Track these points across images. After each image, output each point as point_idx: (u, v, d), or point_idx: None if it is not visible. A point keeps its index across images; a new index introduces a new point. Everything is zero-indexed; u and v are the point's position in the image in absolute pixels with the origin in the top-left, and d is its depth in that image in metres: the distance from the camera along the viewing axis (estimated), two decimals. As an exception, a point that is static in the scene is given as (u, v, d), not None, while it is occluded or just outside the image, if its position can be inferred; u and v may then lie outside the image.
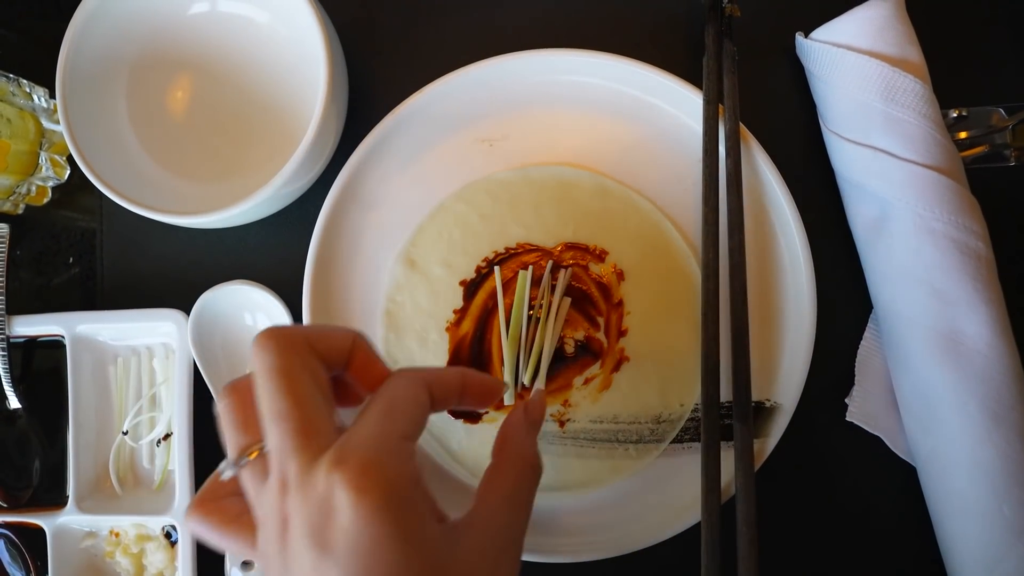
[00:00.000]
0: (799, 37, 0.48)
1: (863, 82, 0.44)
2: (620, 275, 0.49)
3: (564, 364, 0.49)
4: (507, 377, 0.48)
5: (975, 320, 0.42)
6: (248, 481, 0.30)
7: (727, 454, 0.47)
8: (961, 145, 0.48)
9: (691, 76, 0.48)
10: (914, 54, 0.45)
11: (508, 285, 0.49)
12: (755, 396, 0.47)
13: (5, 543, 0.50)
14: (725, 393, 0.48)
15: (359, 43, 0.52)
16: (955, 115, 0.46)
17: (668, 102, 0.49)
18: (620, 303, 0.49)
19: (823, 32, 0.47)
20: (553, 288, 0.49)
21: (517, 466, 0.35)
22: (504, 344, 0.48)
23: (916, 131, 0.43)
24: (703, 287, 0.45)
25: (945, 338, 0.42)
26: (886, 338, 0.46)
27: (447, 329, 0.49)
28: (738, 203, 0.45)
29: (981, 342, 0.41)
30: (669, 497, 0.47)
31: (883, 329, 0.46)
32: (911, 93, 0.43)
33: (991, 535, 0.40)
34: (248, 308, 0.51)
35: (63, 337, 0.50)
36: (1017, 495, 0.40)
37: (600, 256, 0.49)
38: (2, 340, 0.50)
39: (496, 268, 0.49)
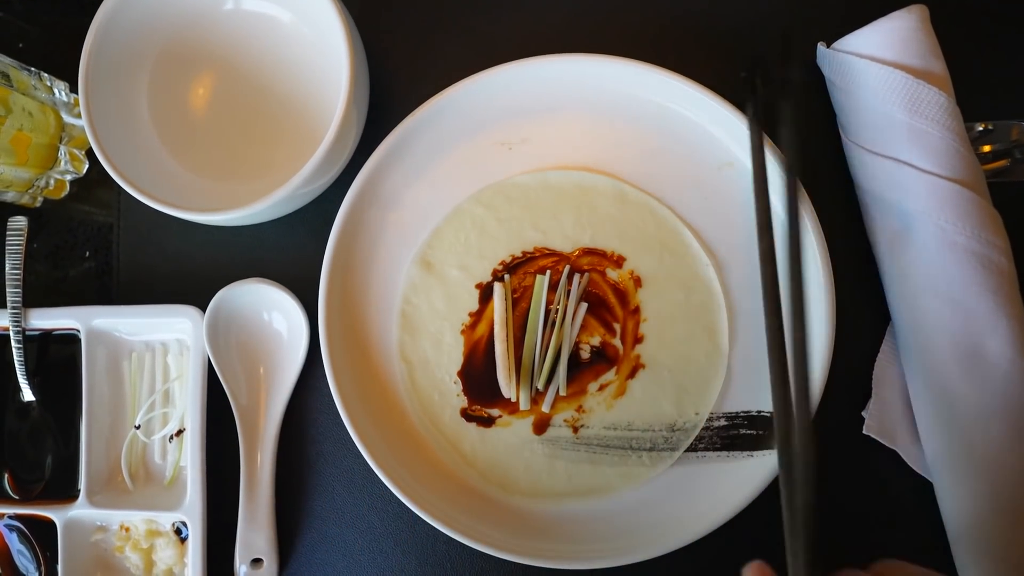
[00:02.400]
0: (821, 47, 0.48)
1: (886, 93, 0.44)
2: (637, 281, 0.49)
3: (579, 369, 0.48)
4: (506, 385, 0.48)
5: (997, 335, 0.41)
6: None
7: (748, 463, 0.46)
8: (984, 158, 0.48)
9: (714, 82, 0.47)
10: (938, 66, 0.44)
11: (526, 291, 0.49)
12: (771, 407, 0.47)
13: (17, 535, 0.51)
14: (741, 404, 0.48)
15: (381, 45, 0.52)
16: (980, 128, 0.46)
17: (690, 109, 0.48)
18: (637, 310, 0.49)
19: (846, 42, 0.47)
20: (569, 293, 0.49)
21: None
22: (501, 351, 0.48)
23: (940, 144, 0.43)
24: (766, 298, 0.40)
25: (965, 353, 0.42)
26: (904, 352, 0.46)
27: (462, 332, 0.49)
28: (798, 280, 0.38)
29: (1003, 358, 0.41)
30: (681, 506, 0.47)
31: (901, 343, 0.46)
32: (935, 105, 0.43)
33: (1009, 553, 0.40)
34: (264, 306, 0.51)
35: (78, 331, 0.50)
36: (1036, 513, 0.40)
37: (618, 262, 0.49)
38: (18, 333, 0.50)
39: (505, 277, 0.49)
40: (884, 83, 0.44)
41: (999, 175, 0.48)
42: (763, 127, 0.45)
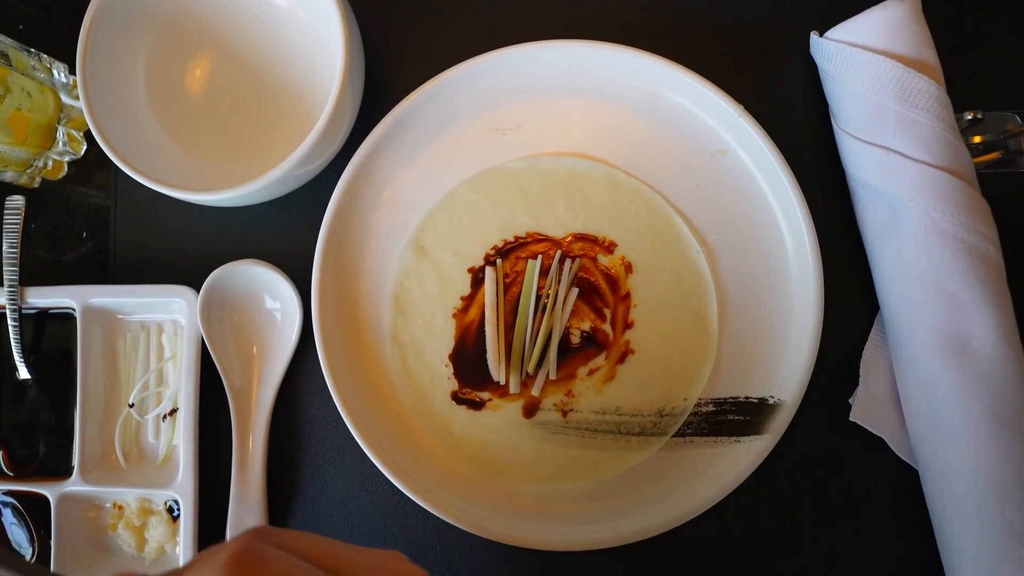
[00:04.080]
0: (814, 36, 0.48)
1: (877, 82, 0.44)
2: (628, 268, 0.49)
3: (569, 354, 0.49)
4: (496, 369, 0.49)
5: (983, 323, 0.42)
6: None
7: (735, 448, 0.47)
8: (974, 150, 0.48)
9: (707, 70, 0.48)
10: (929, 56, 0.45)
11: (517, 275, 0.50)
12: (758, 393, 0.47)
13: (11, 511, 0.51)
14: (729, 389, 0.48)
15: (377, 29, 0.53)
16: (970, 117, 0.46)
17: (684, 97, 0.49)
18: (627, 296, 0.49)
19: (838, 31, 0.47)
20: (560, 279, 0.49)
21: None
22: (491, 335, 0.48)
23: (929, 132, 0.43)
24: None
25: (952, 340, 0.42)
26: (892, 339, 0.46)
27: (454, 316, 0.50)
28: None
29: (988, 346, 0.41)
30: (668, 490, 0.47)
31: (889, 330, 0.46)
32: (925, 94, 0.43)
33: (992, 539, 0.40)
34: (258, 287, 0.51)
35: (74, 310, 0.51)
36: (1019, 499, 0.40)
37: (609, 248, 0.49)
38: (14, 311, 0.51)
39: (497, 262, 0.49)
40: (875, 72, 0.44)
41: (989, 167, 0.48)
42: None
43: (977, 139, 0.48)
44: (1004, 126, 0.48)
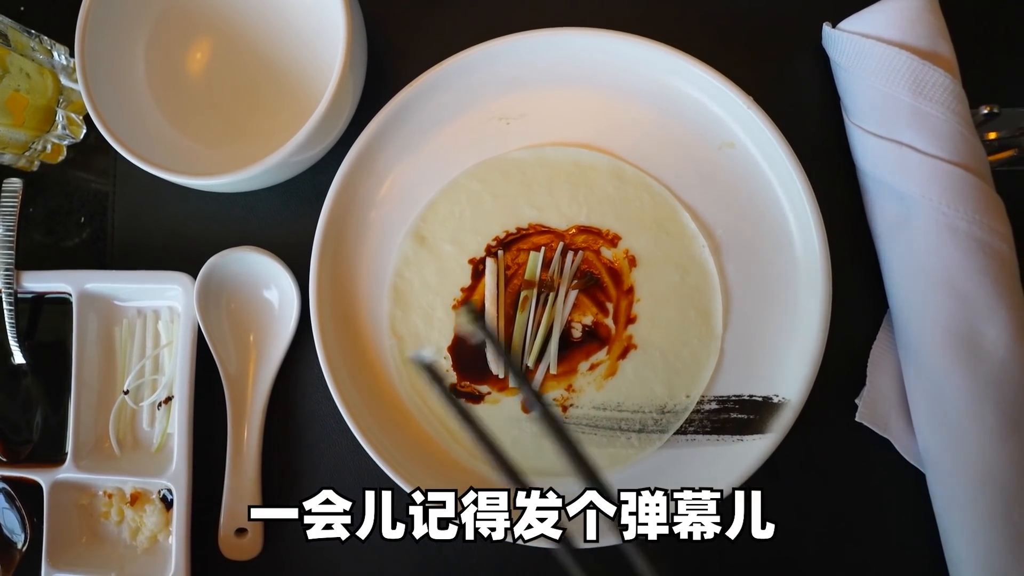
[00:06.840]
0: (826, 27, 0.47)
1: (891, 74, 0.43)
2: (632, 261, 0.48)
3: (570, 348, 0.48)
4: (495, 362, 0.48)
5: (995, 323, 0.41)
6: None
7: (737, 447, 0.46)
8: (989, 147, 0.47)
9: (715, 60, 0.47)
10: (945, 48, 0.44)
11: (519, 267, 0.49)
12: (762, 391, 0.46)
13: (4, 496, 0.51)
14: (733, 387, 0.47)
15: (380, 14, 0.52)
16: (986, 112, 0.45)
17: (691, 87, 0.48)
18: (630, 290, 0.48)
19: (852, 22, 0.46)
20: (563, 271, 0.48)
21: None
22: (499, 327, 0.48)
23: (943, 126, 0.42)
24: None
25: (963, 340, 0.41)
26: (901, 339, 0.45)
27: (453, 307, 0.49)
28: None
29: (1000, 346, 0.40)
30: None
31: (898, 329, 0.45)
32: (940, 88, 0.42)
33: (1000, 543, 0.39)
34: (256, 275, 0.50)
35: (70, 295, 0.50)
36: (1029, 504, 0.39)
37: (613, 241, 0.48)
38: (10, 295, 0.50)
39: (499, 253, 0.49)
40: (889, 64, 0.43)
41: (1004, 164, 0.47)
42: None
43: (992, 135, 0.46)
44: (1021, 122, 0.46)
